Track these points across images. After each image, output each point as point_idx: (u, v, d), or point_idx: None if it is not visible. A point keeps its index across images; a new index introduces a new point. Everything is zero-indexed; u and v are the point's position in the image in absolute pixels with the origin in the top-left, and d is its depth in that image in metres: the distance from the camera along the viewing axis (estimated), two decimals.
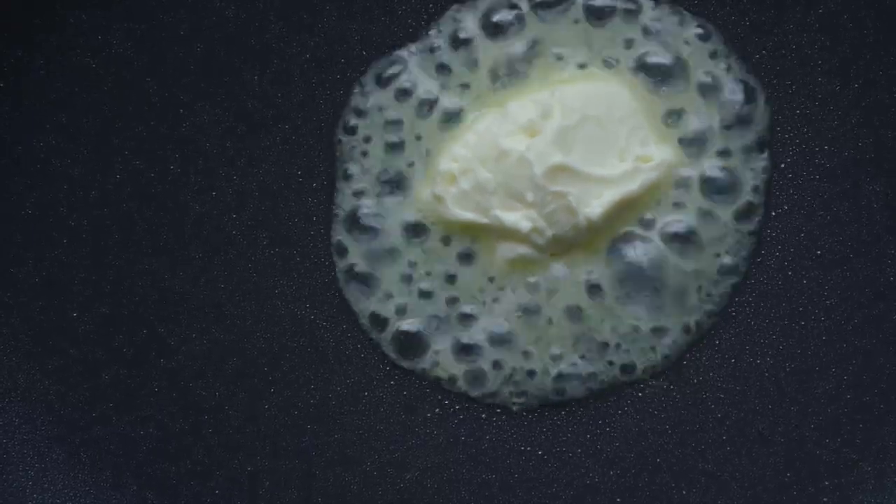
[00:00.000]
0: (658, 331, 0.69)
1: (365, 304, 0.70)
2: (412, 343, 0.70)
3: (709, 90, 0.69)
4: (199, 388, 0.71)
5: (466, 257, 0.69)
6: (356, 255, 0.70)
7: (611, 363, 0.69)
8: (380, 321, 0.70)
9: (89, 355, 0.71)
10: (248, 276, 0.71)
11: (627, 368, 0.70)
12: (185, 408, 0.71)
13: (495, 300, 0.69)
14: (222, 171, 0.71)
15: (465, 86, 0.70)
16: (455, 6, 0.71)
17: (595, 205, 0.67)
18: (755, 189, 0.69)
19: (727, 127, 0.69)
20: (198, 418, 0.71)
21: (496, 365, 0.70)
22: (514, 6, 0.70)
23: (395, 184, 0.70)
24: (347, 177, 0.70)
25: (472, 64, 0.70)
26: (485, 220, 0.68)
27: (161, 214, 0.71)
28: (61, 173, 0.71)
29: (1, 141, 0.71)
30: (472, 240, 0.69)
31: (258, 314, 0.71)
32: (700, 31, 0.70)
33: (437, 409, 0.71)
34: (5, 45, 0.70)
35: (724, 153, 0.69)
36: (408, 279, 0.70)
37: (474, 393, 0.70)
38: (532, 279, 0.69)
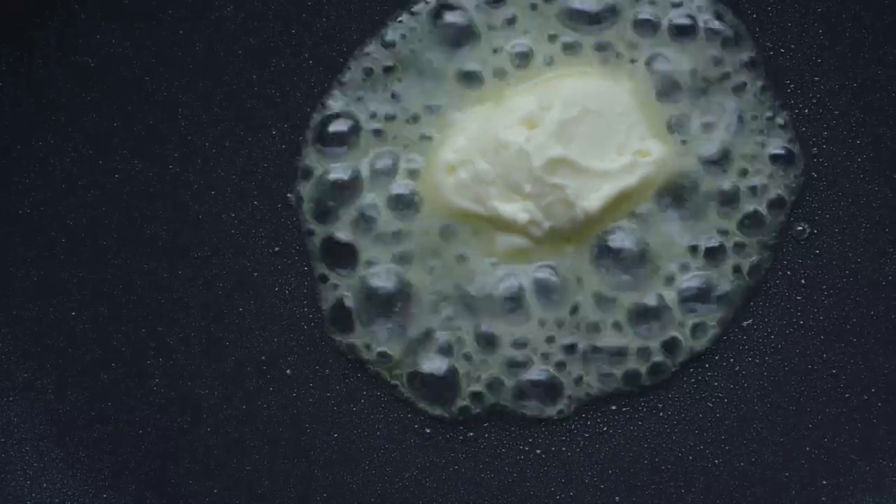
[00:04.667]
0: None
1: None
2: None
3: None
4: (199, 388, 0.71)
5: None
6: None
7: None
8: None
9: (89, 355, 0.71)
10: (248, 276, 0.71)
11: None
12: (185, 408, 0.71)
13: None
14: (222, 171, 0.71)
15: None
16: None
17: (593, 198, 0.67)
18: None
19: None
20: (198, 418, 0.71)
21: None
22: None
23: (397, 175, 0.70)
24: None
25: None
26: (482, 211, 0.68)
27: (161, 214, 0.71)
28: (61, 173, 0.71)
29: (1, 141, 0.71)
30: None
31: (258, 314, 0.71)
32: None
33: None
34: (5, 45, 0.71)
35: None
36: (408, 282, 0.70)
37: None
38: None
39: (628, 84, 0.69)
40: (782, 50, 0.70)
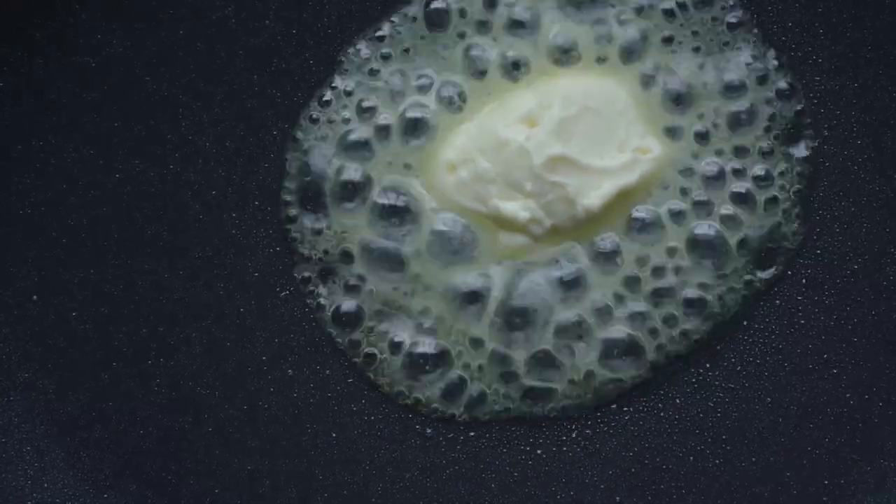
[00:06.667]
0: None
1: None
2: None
3: None
4: (199, 388, 0.71)
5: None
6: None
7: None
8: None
9: (89, 355, 0.71)
10: (248, 275, 0.71)
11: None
12: (185, 408, 0.71)
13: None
14: (222, 171, 0.71)
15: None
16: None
17: (594, 196, 0.67)
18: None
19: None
20: (198, 418, 0.71)
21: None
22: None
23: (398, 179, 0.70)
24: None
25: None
26: (483, 210, 0.68)
27: (161, 214, 0.71)
28: (61, 173, 0.71)
29: (1, 141, 0.71)
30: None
31: (258, 314, 0.71)
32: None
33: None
34: (5, 45, 0.71)
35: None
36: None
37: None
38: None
39: (623, 83, 0.69)
40: (781, 51, 0.70)
